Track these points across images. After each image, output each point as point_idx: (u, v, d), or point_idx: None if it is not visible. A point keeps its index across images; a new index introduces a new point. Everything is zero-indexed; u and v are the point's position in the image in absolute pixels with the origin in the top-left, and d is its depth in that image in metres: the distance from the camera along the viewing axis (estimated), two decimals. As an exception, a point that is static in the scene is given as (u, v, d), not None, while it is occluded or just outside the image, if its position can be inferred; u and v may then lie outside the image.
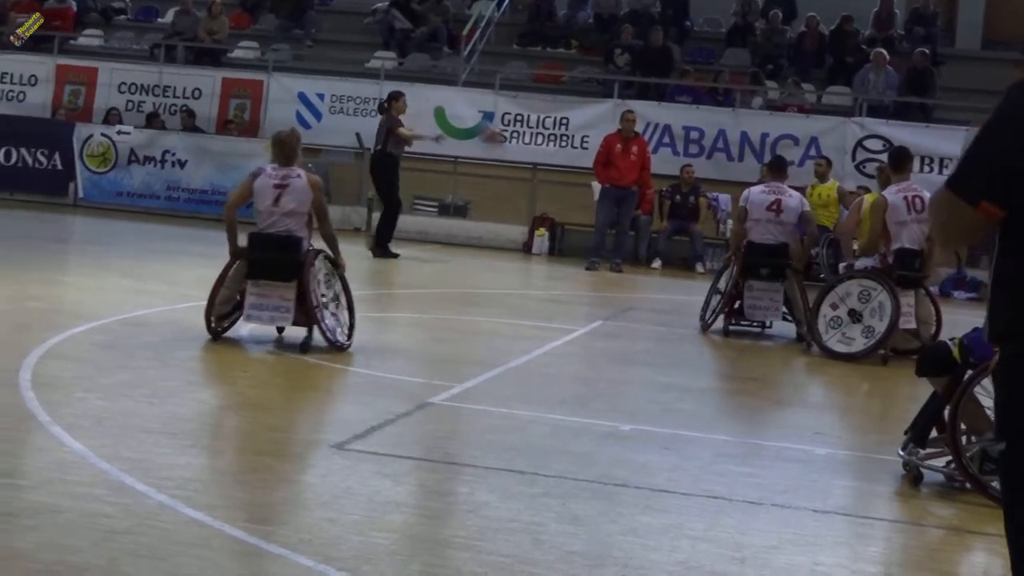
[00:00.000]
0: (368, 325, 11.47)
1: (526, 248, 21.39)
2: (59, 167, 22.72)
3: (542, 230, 21.44)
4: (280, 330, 10.03)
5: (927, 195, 12.34)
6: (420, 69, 24.62)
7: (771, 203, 12.85)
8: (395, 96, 18.81)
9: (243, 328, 10.25)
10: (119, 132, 22.76)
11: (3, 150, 22.84)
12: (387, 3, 25.74)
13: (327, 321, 9.80)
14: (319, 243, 10.03)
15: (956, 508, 6.87)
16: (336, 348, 9.75)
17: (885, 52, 22.59)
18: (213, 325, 9.84)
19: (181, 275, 13.61)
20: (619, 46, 24.08)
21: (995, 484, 6.55)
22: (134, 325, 10.52)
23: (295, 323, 9.80)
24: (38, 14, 24.83)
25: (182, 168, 22.44)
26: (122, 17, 27.46)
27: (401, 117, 18.41)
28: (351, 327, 10.03)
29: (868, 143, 21.05)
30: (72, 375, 8.33)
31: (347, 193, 21.64)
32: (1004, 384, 3.28)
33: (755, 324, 13.20)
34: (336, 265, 10.03)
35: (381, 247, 18.09)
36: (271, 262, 9.73)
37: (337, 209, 20.67)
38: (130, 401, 7.64)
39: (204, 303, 9.89)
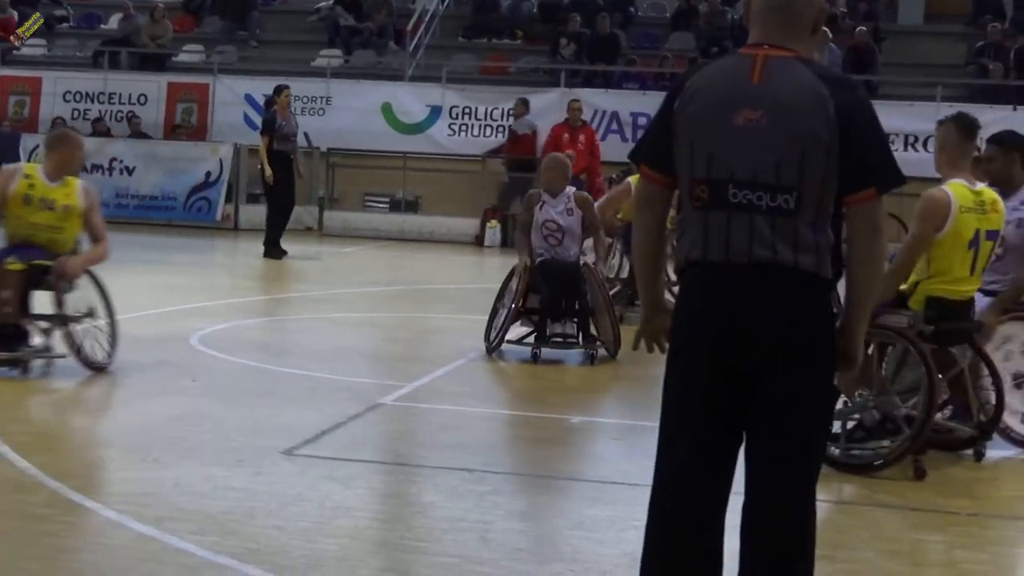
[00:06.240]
0: (320, 326, 11.50)
1: (478, 241, 21.44)
2: (6, 179, 22.56)
3: (493, 222, 21.50)
4: None
5: None
6: (366, 66, 24.64)
7: None
8: (277, 91, 18.39)
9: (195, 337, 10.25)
10: (65, 141, 22.61)
11: (-51, 164, 22.68)
12: (331, 1, 25.71)
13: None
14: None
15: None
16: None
17: (827, 30, 22.58)
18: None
19: (130, 284, 13.50)
20: (565, 35, 24.12)
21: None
22: (83, 337, 10.47)
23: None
24: (38, 14, 24.65)
25: (130, 175, 22.31)
26: (65, 25, 27.30)
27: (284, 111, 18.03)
28: None
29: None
30: (19, 392, 8.30)
31: (297, 193, 21.44)
32: None
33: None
34: None
35: (271, 246, 17.79)
36: None
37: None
38: (78, 416, 7.64)
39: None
